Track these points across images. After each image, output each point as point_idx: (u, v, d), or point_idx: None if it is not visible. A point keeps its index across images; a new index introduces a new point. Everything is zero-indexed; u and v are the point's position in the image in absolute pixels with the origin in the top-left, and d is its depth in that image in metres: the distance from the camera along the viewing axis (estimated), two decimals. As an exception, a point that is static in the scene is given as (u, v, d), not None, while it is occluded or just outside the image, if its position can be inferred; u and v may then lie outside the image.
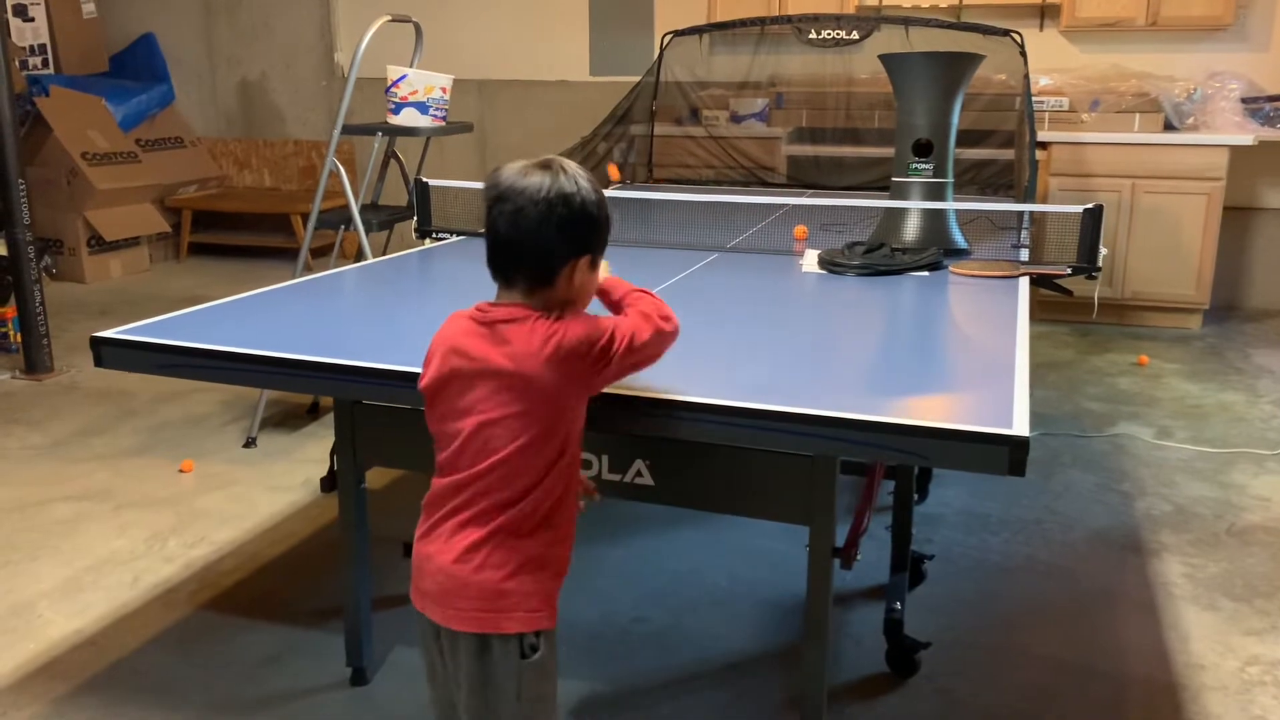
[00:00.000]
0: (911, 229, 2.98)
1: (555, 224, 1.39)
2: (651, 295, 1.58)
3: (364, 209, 3.75)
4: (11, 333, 4.52)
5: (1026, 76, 4.27)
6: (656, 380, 1.71)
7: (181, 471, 3.30)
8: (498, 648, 1.43)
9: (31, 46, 6.42)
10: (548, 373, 1.39)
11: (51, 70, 6.46)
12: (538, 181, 1.39)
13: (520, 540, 1.43)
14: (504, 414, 1.40)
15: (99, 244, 6.07)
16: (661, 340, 1.51)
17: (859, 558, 1.86)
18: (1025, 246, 3.05)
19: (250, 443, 3.51)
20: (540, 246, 1.40)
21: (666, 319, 1.53)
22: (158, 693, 2.13)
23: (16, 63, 6.15)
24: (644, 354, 1.49)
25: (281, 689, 2.15)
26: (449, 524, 1.44)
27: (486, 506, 1.42)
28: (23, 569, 2.66)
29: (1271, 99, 4.99)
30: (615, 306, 1.59)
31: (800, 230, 3.25)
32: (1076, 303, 4.41)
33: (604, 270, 1.62)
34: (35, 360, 4.28)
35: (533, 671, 1.45)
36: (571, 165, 1.44)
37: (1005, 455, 1.47)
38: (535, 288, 1.42)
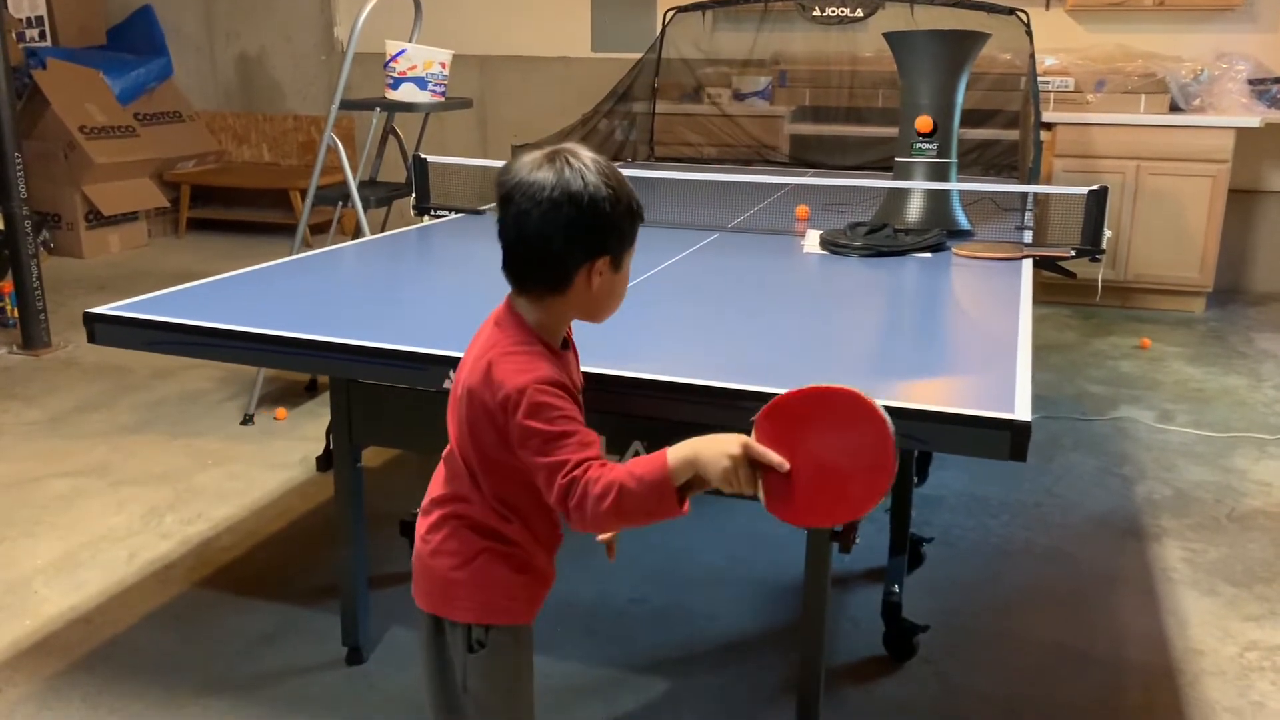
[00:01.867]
0: (914, 210, 2.96)
1: (562, 226, 1.26)
2: (641, 484, 1.22)
3: (362, 185, 3.73)
4: (8, 308, 4.50)
5: (1032, 56, 4.24)
6: (655, 362, 1.70)
7: (276, 419, 3.48)
8: (448, 631, 1.41)
9: (29, 19, 6.37)
10: (476, 385, 1.30)
11: (49, 43, 6.41)
12: (542, 178, 1.26)
13: (470, 534, 1.37)
14: (456, 410, 1.37)
15: (97, 219, 6.04)
16: (563, 511, 1.26)
17: (858, 541, 1.85)
18: (1029, 228, 3.02)
19: (248, 420, 3.50)
20: (549, 251, 1.28)
21: (594, 509, 1.22)
22: (153, 670, 2.13)
23: (13, 35, 6.11)
24: (536, 472, 1.27)
25: (277, 667, 2.14)
26: (425, 500, 1.44)
27: (445, 493, 1.40)
28: (19, 545, 2.65)
29: (1279, 80, 4.95)
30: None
31: (802, 210, 3.23)
32: (1079, 285, 4.37)
33: (719, 459, 1.21)
34: (32, 335, 4.26)
35: (479, 665, 1.39)
36: (583, 156, 1.29)
37: (1007, 440, 1.46)
38: (549, 293, 1.31)
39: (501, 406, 1.27)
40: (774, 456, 1.22)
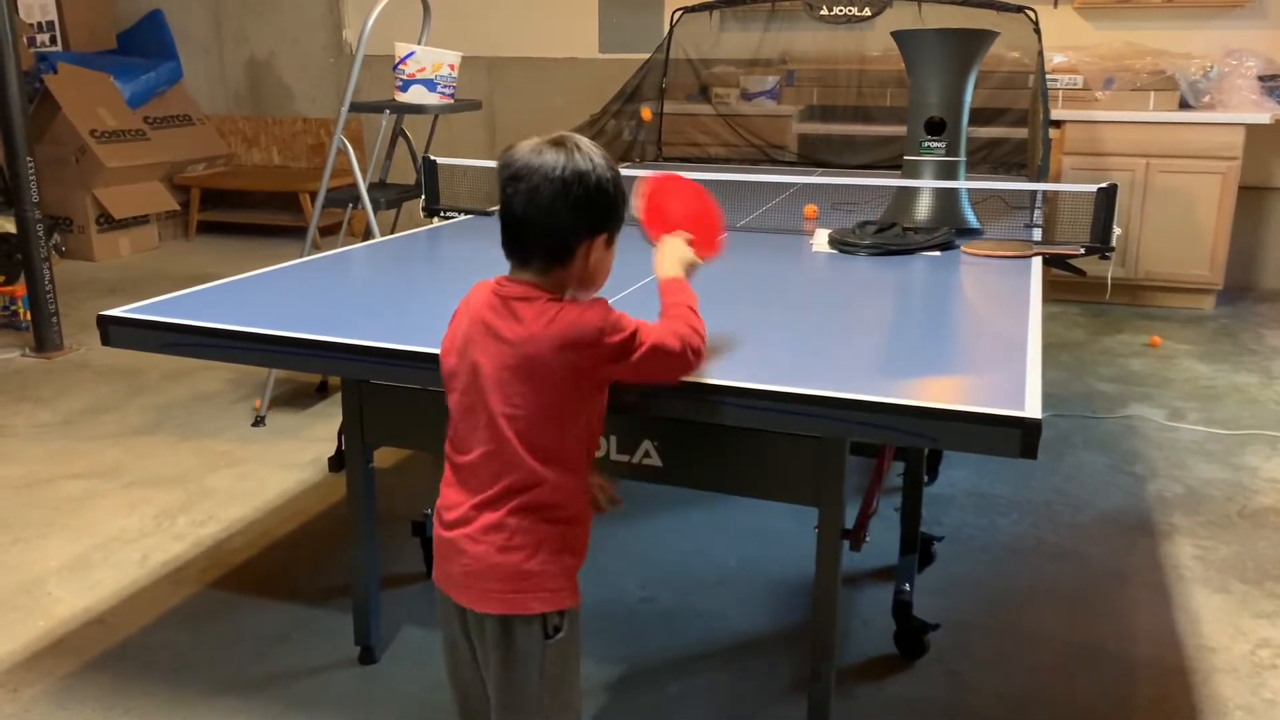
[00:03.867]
0: (923, 208, 2.96)
1: (571, 202, 1.37)
2: (695, 315, 1.55)
3: (372, 187, 3.74)
4: (21, 311, 4.53)
5: (1040, 54, 4.23)
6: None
7: (256, 409, 3.49)
8: (521, 628, 1.43)
9: (39, 23, 6.40)
10: (554, 355, 1.38)
11: (59, 47, 6.44)
12: (552, 159, 1.37)
13: (539, 521, 1.42)
14: (512, 393, 1.39)
15: (108, 222, 6.07)
16: (677, 365, 1.50)
17: (868, 539, 1.85)
18: (1038, 226, 3.02)
19: (259, 421, 3.51)
20: (556, 225, 1.38)
21: (695, 351, 1.50)
22: (166, 670, 2.14)
23: (25, 40, 6.14)
24: (658, 368, 1.48)
25: (290, 667, 2.15)
26: (468, 504, 1.43)
27: (502, 488, 1.41)
28: (32, 546, 2.67)
29: (1289, 77, 4.93)
30: (662, 308, 1.56)
31: (811, 209, 3.23)
32: (1089, 283, 4.38)
33: (680, 264, 1.63)
34: (45, 338, 4.28)
35: (555, 650, 1.45)
36: (586, 142, 1.41)
37: (1017, 438, 1.46)
38: (551, 267, 1.41)
39: (594, 345, 1.39)
40: (687, 235, 1.70)
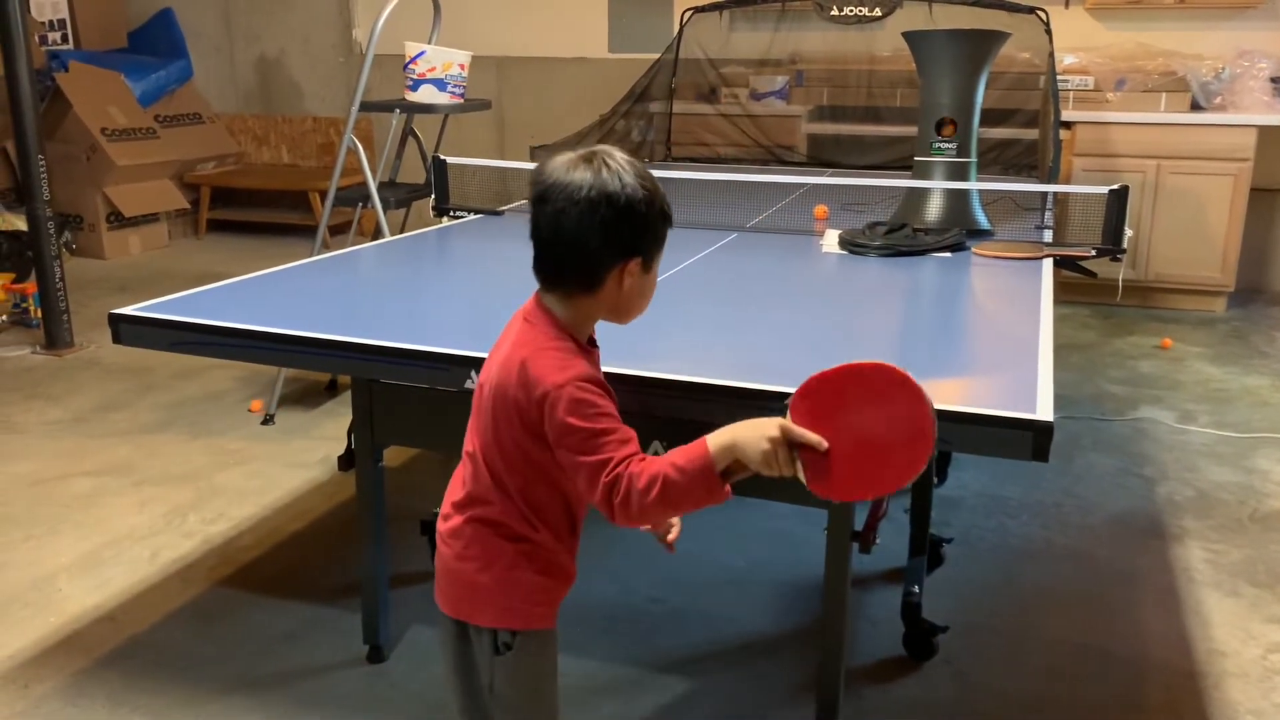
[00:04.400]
0: (934, 209, 2.95)
1: (599, 225, 1.27)
2: (669, 487, 1.24)
3: (382, 186, 3.74)
4: (32, 308, 4.55)
5: (1051, 55, 4.22)
6: (674, 361, 1.70)
7: (251, 411, 3.53)
8: (473, 635, 1.41)
9: (51, 22, 6.43)
10: (511, 386, 1.29)
11: (71, 46, 6.47)
12: (579, 179, 1.27)
13: (493, 536, 1.36)
14: (483, 408, 1.36)
15: (118, 220, 6.09)
16: (611, 509, 1.26)
17: (877, 541, 1.85)
18: (1049, 227, 3.01)
19: (269, 419, 3.52)
20: (583, 250, 1.28)
21: (624, 505, 1.24)
22: (176, 668, 2.15)
23: (36, 38, 6.16)
24: (572, 466, 1.27)
25: (298, 665, 2.16)
26: (446, 504, 1.44)
27: (467, 495, 1.39)
28: (43, 543, 2.68)
29: (1302, 78, 4.91)
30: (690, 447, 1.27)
31: (821, 210, 3.22)
32: (1099, 284, 4.35)
33: (758, 441, 1.22)
34: (55, 336, 4.30)
35: (503, 669, 1.39)
36: (619, 158, 1.30)
37: (1028, 440, 1.45)
38: (577, 293, 1.32)
39: (539, 404, 1.26)
40: (812, 436, 1.22)
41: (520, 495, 1.35)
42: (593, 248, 1.28)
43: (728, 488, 1.25)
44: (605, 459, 1.24)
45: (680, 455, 1.24)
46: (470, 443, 1.40)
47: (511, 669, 1.40)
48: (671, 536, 1.56)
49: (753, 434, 1.23)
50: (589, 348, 1.38)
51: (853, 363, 1.24)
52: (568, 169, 1.29)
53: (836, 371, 1.24)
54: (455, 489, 1.43)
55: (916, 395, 1.21)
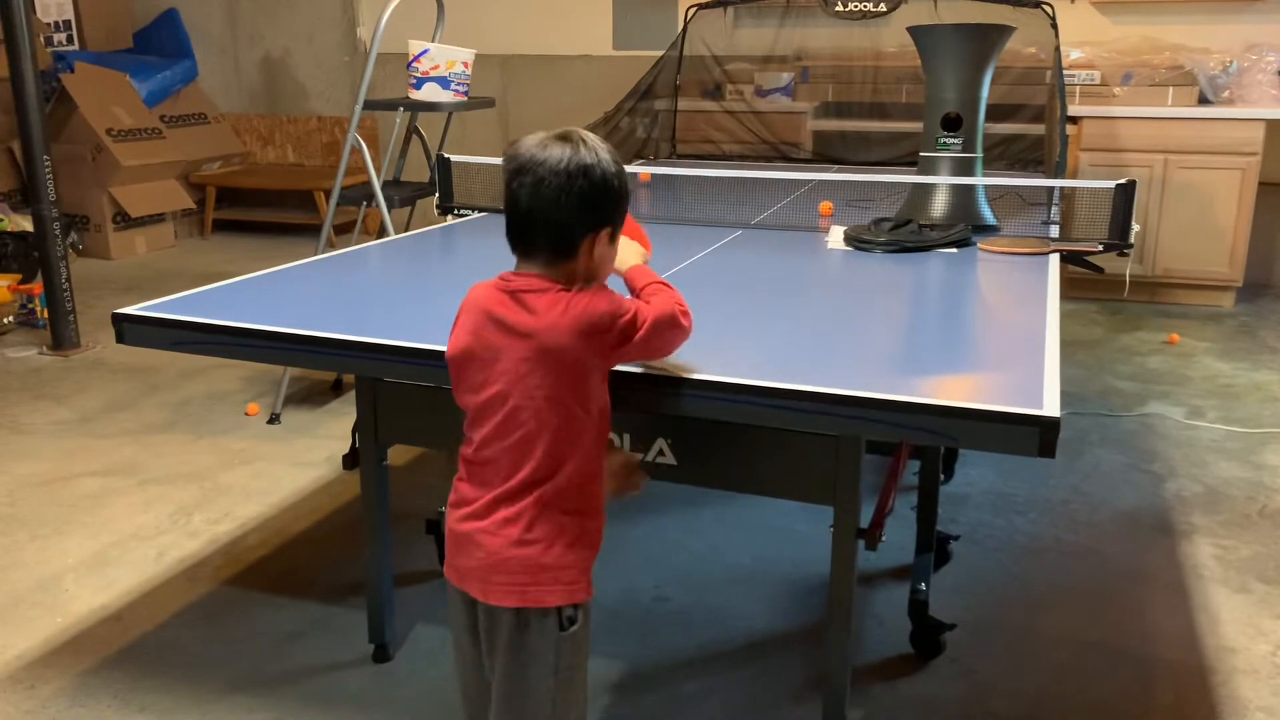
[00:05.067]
0: (939, 205, 2.94)
1: (576, 196, 1.38)
2: (672, 289, 1.57)
3: (386, 185, 3.74)
4: (38, 309, 4.56)
5: (1057, 49, 4.20)
6: (680, 357, 1.69)
7: (248, 414, 3.53)
8: (536, 621, 1.43)
9: (56, 23, 6.44)
10: (572, 343, 1.39)
11: (76, 46, 6.48)
12: (558, 153, 1.38)
13: (556, 514, 1.42)
14: (529, 386, 1.39)
15: (124, 220, 6.10)
16: (678, 334, 1.53)
17: (884, 538, 1.84)
18: (1055, 223, 3.00)
19: (274, 419, 3.52)
20: (561, 219, 1.39)
21: (685, 314, 1.54)
22: (182, 667, 2.15)
23: (41, 39, 6.17)
24: (661, 341, 1.50)
25: (304, 665, 2.16)
26: (484, 498, 1.43)
27: (521, 480, 1.41)
28: (50, 543, 2.68)
29: (1310, 71, 4.88)
30: (637, 295, 1.58)
31: (826, 206, 3.21)
32: (1106, 280, 4.35)
33: (638, 255, 1.62)
34: (62, 336, 4.30)
35: (570, 643, 1.45)
36: (591, 137, 1.42)
37: (1035, 436, 1.44)
38: (555, 260, 1.42)
39: (606, 329, 1.41)
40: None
41: (581, 461, 1.43)
42: (569, 218, 1.40)
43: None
44: (656, 309, 1.49)
45: (651, 285, 1.57)
46: (512, 430, 1.40)
47: (574, 641, 1.46)
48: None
49: (637, 249, 1.64)
50: None
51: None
52: (544, 144, 1.40)
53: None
54: (492, 482, 1.43)
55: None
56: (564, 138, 1.40)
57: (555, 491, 1.42)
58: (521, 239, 1.43)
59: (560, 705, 1.47)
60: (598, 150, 1.40)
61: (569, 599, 1.43)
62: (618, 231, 1.48)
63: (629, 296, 1.54)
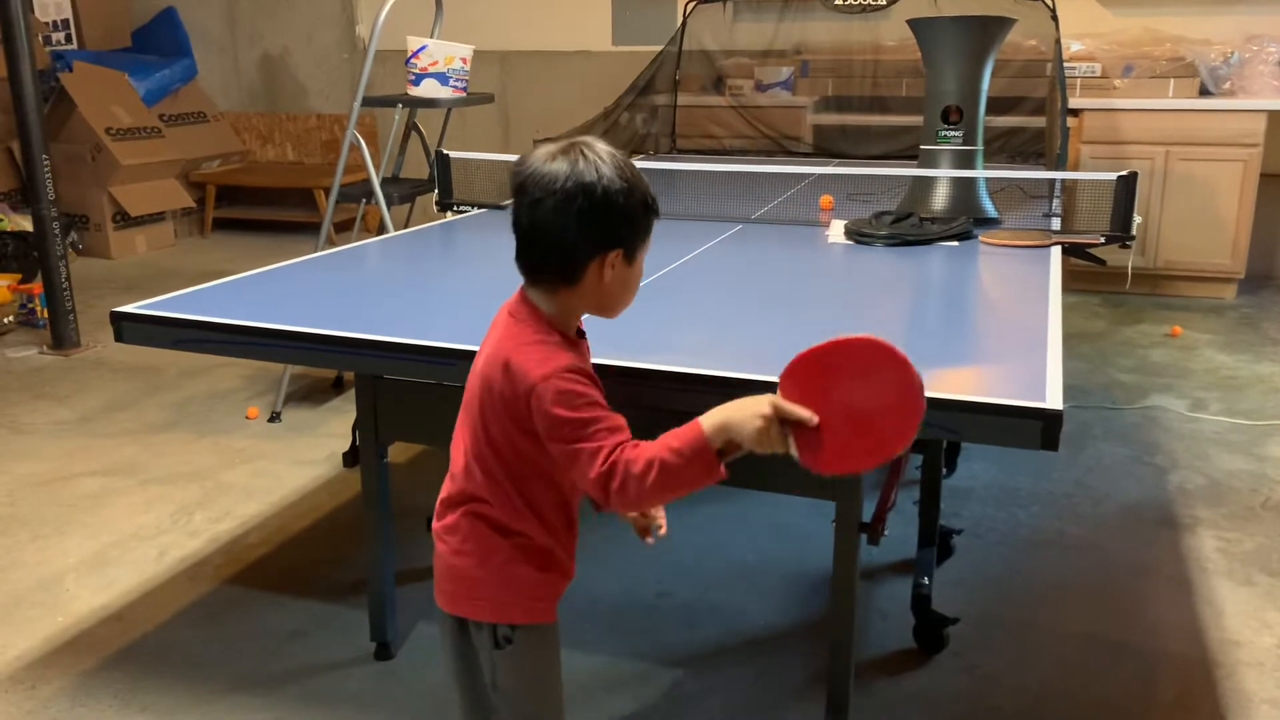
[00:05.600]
0: (940, 198, 2.93)
1: (575, 216, 1.26)
2: (618, 433, 1.27)
3: (385, 182, 3.73)
4: (38, 308, 4.55)
5: (1058, 41, 4.19)
6: (679, 353, 1.69)
7: (248, 418, 3.50)
8: (473, 632, 1.41)
9: (54, 22, 6.43)
10: (496, 378, 1.30)
11: (74, 45, 6.47)
12: (556, 170, 1.27)
13: (488, 531, 1.36)
14: (471, 402, 1.36)
15: (124, 219, 6.09)
16: (607, 496, 1.25)
17: (886, 533, 1.83)
18: (1057, 215, 2.99)
19: (275, 417, 3.52)
20: (561, 242, 1.28)
21: (621, 490, 1.23)
22: (184, 666, 2.14)
23: (40, 38, 6.16)
24: (566, 458, 1.26)
25: (306, 663, 2.15)
26: (440, 501, 1.43)
27: (460, 491, 1.38)
28: (50, 543, 2.68)
29: (1311, 62, 4.86)
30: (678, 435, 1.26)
31: (826, 200, 3.20)
32: (1108, 272, 4.34)
33: (719, 416, 1.23)
34: (62, 336, 4.30)
35: (508, 663, 1.38)
36: (598, 149, 1.30)
37: (1038, 429, 1.44)
38: (559, 285, 1.31)
39: (525, 398, 1.27)
40: (802, 411, 1.22)
41: (514, 490, 1.34)
42: (570, 239, 1.28)
43: (722, 467, 1.24)
44: (598, 447, 1.24)
45: (675, 438, 1.23)
46: (460, 439, 1.39)
47: (513, 663, 1.39)
48: (660, 532, 1.54)
49: (745, 412, 1.23)
50: (576, 339, 1.38)
51: (837, 338, 1.25)
52: (546, 160, 1.29)
53: (822, 347, 1.25)
54: (447, 485, 1.42)
55: (901, 363, 1.21)
56: (566, 151, 1.29)
57: (490, 511, 1.35)
58: (525, 261, 1.33)
59: None
60: (599, 164, 1.27)
61: (499, 618, 1.37)
62: (636, 252, 1.33)
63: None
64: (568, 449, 1.25)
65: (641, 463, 1.22)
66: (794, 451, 1.23)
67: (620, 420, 1.27)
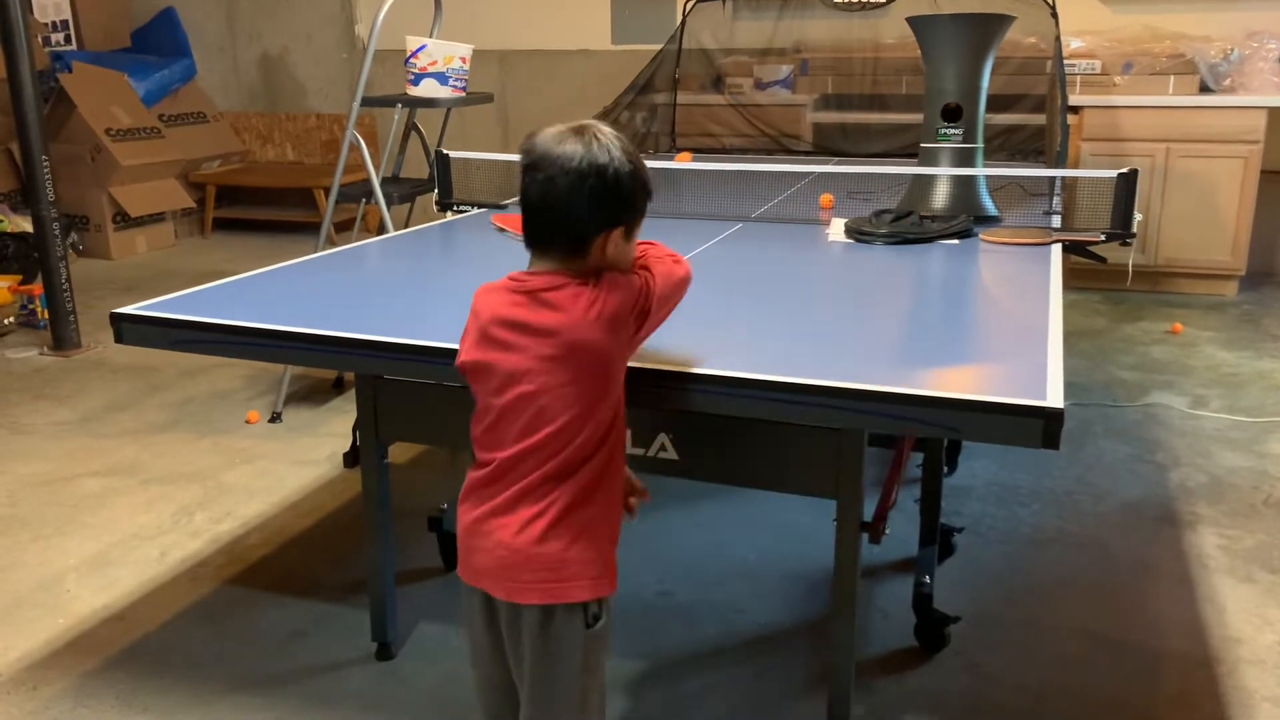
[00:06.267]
0: (940, 196, 2.93)
1: (586, 195, 1.35)
2: (655, 244, 1.56)
3: (385, 182, 3.73)
4: (39, 309, 4.55)
5: (1058, 39, 4.19)
6: (681, 352, 1.69)
7: (248, 422, 3.48)
8: (561, 618, 1.42)
9: (54, 23, 6.43)
10: (597, 337, 1.38)
11: (74, 46, 6.47)
12: (570, 150, 1.35)
13: (578, 509, 1.41)
14: (555, 383, 1.38)
15: (124, 220, 6.09)
16: (682, 285, 1.53)
17: (887, 531, 1.83)
18: (1057, 213, 2.99)
19: (276, 418, 3.52)
20: (572, 217, 1.37)
21: (678, 261, 1.54)
22: (185, 667, 2.14)
23: (39, 39, 6.16)
24: (672, 302, 1.50)
25: (307, 663, 2.15)
26: (504, 497, 1.42)
27: (543, 477, 1.40)
28: (52, 544, 2.68)
29: (1311, 59, 4.86)
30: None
31: (826, 199, 3.20)
32: (1109, 270, 4.33)
33: None
34: (62, 336, 4.30)
35: (595, 640, 1.45)
36: (607, 132, 1.39)
37: (1039, 427, 1.44)
38: (569, 257, 1.40)
39: (630, 318, 1.41)
40: None
41: (604, 456, 1.42)
42: (581, 216, 1.37)
43: None
44: (656, 273, 1.48)
45: (642, 253, 1.52)
46: (535, 430, 1.39)
47: (600, 637, 1.45)
48: (646, 499, 1.68)
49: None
50: None
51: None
52: (559, 140, 1.37)
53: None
54: (512, 481, 1.41)
55: None
56: (579, 133, 1.37)
57: (576, 487, 1.41)
58: (535, 235, 1.42)
59: (588, 702, 1.48)
60: (611, 148, 1.37)
61: (594, 593, 1.43)
62: (634, 229, 1.44)
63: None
64: (657, 298, 1.45)
65: (665, 256, 1.54)
66: None
67: (647, 276, 1.47)
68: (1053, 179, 3.20)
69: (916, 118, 3.19)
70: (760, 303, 2.12)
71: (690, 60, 5.13)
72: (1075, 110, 4.82)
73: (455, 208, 3.16)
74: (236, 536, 2.71)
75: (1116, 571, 2.49)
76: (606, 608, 1.46)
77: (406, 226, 3.59)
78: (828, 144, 4.85)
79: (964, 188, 2.92)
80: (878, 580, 2.45)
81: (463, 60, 3.69)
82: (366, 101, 3.61)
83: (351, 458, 2.10)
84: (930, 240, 2.63)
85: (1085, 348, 4.20)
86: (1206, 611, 2.31)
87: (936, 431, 1.52)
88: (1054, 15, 4.21)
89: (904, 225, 2.66)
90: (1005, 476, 2.99)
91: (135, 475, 3.09)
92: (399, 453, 3.04)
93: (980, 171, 2.94)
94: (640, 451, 1.79)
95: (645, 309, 1.43)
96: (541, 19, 6.27)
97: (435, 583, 2.44)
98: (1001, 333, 1.94)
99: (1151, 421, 3.41)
